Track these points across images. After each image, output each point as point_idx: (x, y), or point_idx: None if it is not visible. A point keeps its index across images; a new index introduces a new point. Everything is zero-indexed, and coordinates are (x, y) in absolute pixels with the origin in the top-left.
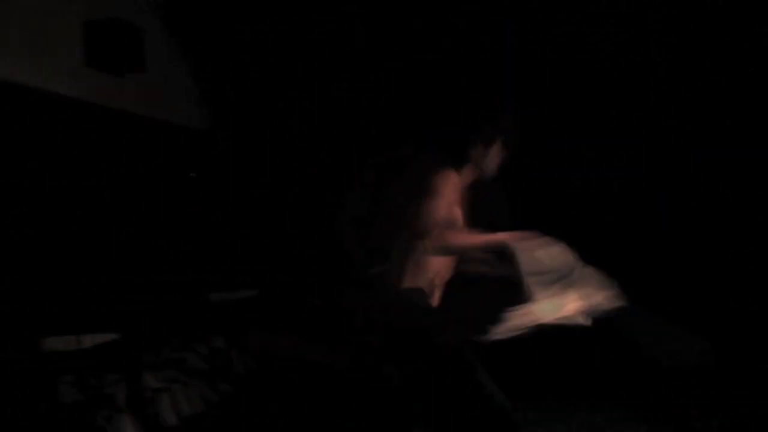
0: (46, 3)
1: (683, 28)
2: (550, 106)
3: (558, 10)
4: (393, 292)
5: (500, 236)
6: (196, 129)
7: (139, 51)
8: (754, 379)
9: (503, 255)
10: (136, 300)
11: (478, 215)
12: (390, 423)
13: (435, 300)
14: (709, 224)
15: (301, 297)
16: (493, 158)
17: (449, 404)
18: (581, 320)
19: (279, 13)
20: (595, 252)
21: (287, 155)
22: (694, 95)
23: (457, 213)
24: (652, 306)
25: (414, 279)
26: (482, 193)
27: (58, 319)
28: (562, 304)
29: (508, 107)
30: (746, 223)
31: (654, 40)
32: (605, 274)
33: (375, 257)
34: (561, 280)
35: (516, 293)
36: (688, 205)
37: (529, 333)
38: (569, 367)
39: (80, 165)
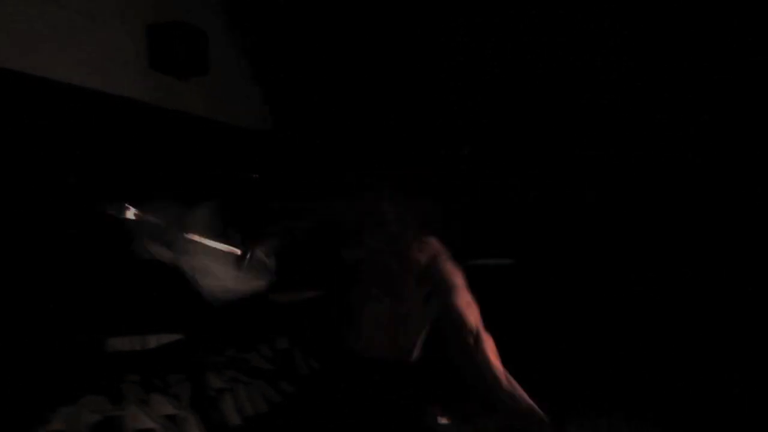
0: (109, 7)
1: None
2: None
3: None
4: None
5: None
6: (260, 130)
7: (202, 53)
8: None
9: None
10: (200, 300)
11: None
12: None
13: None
14: None
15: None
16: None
17: None
18: None
19: (344, 12)
20: None
21: (351, 156)
22: None
23: None
24: None
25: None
26: None
27: (122, 319)
28: None
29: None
30: None
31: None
32: None
33: None
34: None
35: None
36: None
37: None
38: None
39: (144, 167)
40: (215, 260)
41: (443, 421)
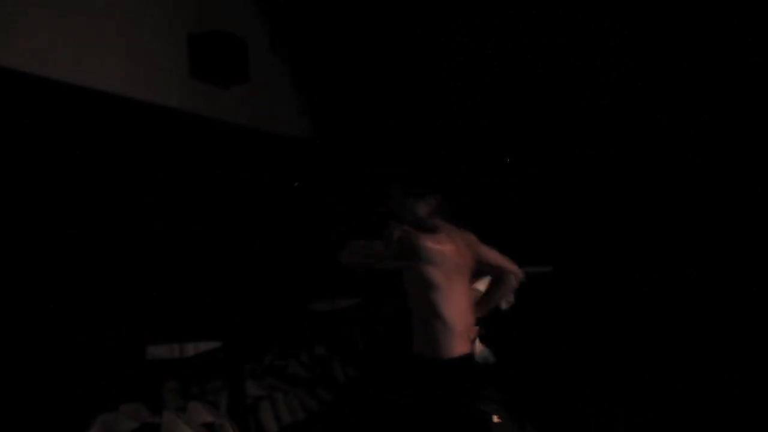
0: (151, 17)
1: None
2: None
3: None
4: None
5: None
6: (300, 138)
7: (242, 62)
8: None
9: None
10: (239, 308)
11: None
12: None
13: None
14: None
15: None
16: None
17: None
18: None
19: (382, 22)
20: None
21: (391, 163)
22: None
23: None
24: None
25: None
26: None
27: (162, 327)
28: None
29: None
30: None
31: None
32: None
33: None
34: None
35: None
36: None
37: None
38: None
39: (186, 175)
40: None
41: (495, 419)
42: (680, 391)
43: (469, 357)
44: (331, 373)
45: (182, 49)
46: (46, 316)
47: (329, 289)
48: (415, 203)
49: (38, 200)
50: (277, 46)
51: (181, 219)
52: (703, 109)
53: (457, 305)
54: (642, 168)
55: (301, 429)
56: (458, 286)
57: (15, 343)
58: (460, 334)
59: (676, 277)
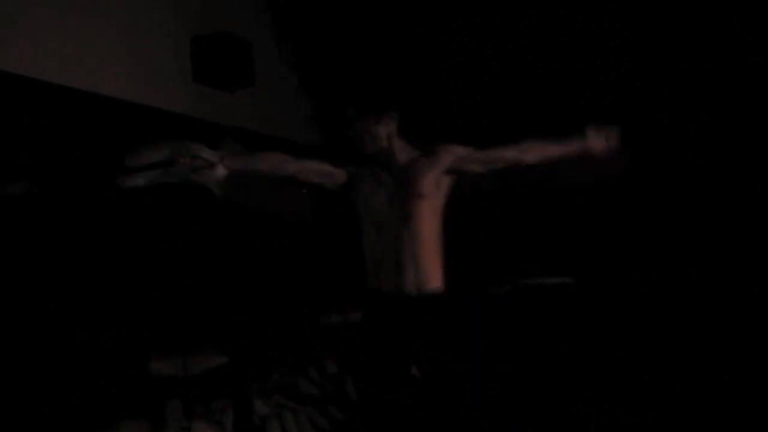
0: (153, 20)
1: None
2: None
3: None
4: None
5: None
6: (307, 144)
7: (248, 65)
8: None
9: None
10: (246, 323)
11: None
12: None
13: None
14: None
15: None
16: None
17: None
18: None
19: (391, 24)
20: None
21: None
22: None
23: None
24: None
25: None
26: None
27: (166, 342)
28: None
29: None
30: None
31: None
32: None
33: None
34: None
35: None
36: None
37: None
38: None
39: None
40: None
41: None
42: (680, 391)
43: None
44: (342, 390)
45: (185, 51)
46: (45, 316)
47: (338, 293)
48: (374, 127)
49: (39, 201)
50: (284, 49)
51: (181, 219)
52: (703, 109)
53: None
54: (641, 168)
55: None
56: None
57: (15, 345)
58: None
59: (676, 277)
